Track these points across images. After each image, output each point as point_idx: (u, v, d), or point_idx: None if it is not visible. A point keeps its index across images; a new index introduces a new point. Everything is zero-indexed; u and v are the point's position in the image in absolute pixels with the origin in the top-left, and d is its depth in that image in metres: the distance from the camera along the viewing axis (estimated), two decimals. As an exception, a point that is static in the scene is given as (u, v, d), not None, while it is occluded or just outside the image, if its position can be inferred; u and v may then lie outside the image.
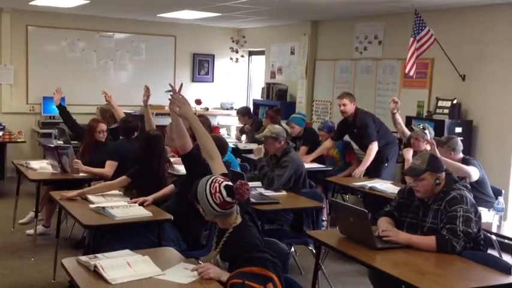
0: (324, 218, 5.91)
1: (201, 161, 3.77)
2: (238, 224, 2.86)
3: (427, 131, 5.30)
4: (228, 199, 2.77)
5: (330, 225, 5.80)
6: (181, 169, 5.29)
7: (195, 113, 9.26)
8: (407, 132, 5.83)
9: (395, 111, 5.97)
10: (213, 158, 3.24)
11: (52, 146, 5.47)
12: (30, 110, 8.91)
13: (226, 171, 3.17)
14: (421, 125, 5.51)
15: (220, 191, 2.77)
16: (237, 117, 8.80)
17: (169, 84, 3.46)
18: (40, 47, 8.94)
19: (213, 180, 2.83)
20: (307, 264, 5.05)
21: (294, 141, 6.45)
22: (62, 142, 6.86)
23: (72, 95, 8.98)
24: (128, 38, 9.61)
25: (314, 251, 4.52)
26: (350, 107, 6.25)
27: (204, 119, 6.11)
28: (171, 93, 3.29)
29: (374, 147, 6.09)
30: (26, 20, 8.77)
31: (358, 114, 6.25)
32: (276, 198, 4.63)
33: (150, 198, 4.18)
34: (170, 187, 4.41)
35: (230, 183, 2.81)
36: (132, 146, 5.05)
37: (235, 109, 10.20)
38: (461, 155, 4.96)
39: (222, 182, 2.81)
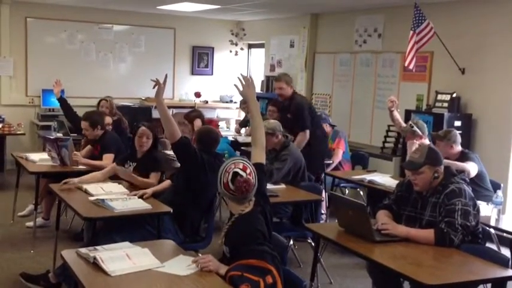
0: (323, 211, 5.92)
1: (191, 150, 3.85)
2: (246, 213, 2.88)
3: (415, 128, 5.31)
4: (230, 184, 2.83)
5: (329, 219, 5.82)
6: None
7: (195, 106, 9.34)
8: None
9: (393, 109, 5.90)
10: (255, 144, 3.28)
11: (52, 137, 5.46)
12: (29, 103, 8.90)
13: (264, 162, 3.21)
14: (410, 122, 5.50)
15: (229, 173, 2.84)
16: (243, 106, 8.75)
17: (154, 79, 3.76)
18: (39, 39, 8.92)
19: (235, 161, 2.89)
20: (306, 257, 5.06)
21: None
22: (61, 134, 6.86)
23: (71, 88, 8.97)
24: (127, 30, 9.59)
25: (313, 244, 4.54)
26: (287, 90, 6.08)
27: (197, 113, 6.10)
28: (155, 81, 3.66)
29: (304, 136, 5.89)
30: (25, 11, 8.74)
31: (295, 98, 6.10)
32: (275, 191, 4.63)
33: (149, 191, 4.20)
34: (168, 182, 4.42)
35: (243, 172, 2.83)
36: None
37: (235, 102, 10.21)
38: (460, 148, 4.97)
39: (237, 167, 2.85)
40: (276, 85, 6.11)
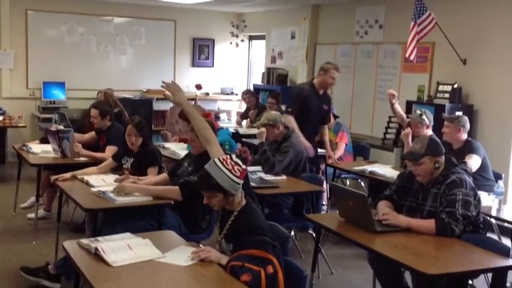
0: (324, 203, 5.93)
1: None
2: (244, 206, 2.91)
3: (424, 116, 5.32)
4: (244, 167, 2.86)
5: (330, 210, 5.82)
6: (181, 154, 5.31)
7: (195, 98, 9.33)
8: (407, 120, 5.82)
9: (394, 101, 5.94)
10: (210, 142, 3.29)
11: (53, 129, 5.47)
12: (30, 95, 8.90)
13: (224, 155, 3.19)
14: (418, 110, 5.51)
15: (237, 163, 2.85)
16: (243, 98, 8.75)
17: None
18: (39, 32, 8.90)
19: (221, 160, 2.88)
20: (307, 247, 5.08)
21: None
22: (62, 127, 6.86)
23: (72, 80, 8.99)
24: (127, 22, 9.56)
25: (314, 234, 4.55)
26: None
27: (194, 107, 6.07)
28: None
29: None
30: (26, 4, 8.73)
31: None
32: (276, 182, 4.64)
33: (141, 183, 4.14)
34: (164, 175, 4.30)
35: (237, 159, 2.88)
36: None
37: (236, 94, 10.20)
38: (465, 136, 4.98)
39: (229, 156, 2.89)
40: (335, 75, 5.88)
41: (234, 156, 2.90)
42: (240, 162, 2.87)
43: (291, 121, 5.71)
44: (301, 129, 5.75)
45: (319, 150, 6.34)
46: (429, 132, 5.29)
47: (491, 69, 6.05)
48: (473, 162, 4.71)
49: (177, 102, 3.36)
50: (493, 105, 6.04)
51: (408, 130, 5.38)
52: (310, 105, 5.87)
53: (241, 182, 2.86)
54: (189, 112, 3.35)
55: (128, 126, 4.63)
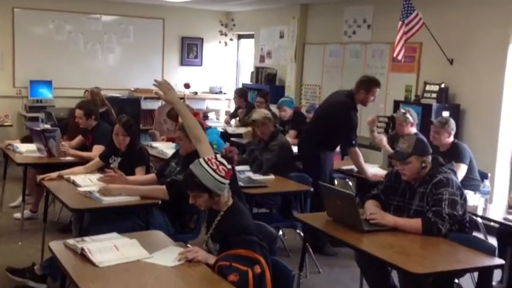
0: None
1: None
2: (231, 206, 2.90)
3: (407, 115, 5.38)
4: (229, 166, 2.84)
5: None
6: (169, 153, 5.29)
7: (184, 98, 9.29)
8: (390, 151, 5.22)
9: (373, 129, 5.60)
10: (201, 140, 3.28)
11: (38, 129, 5.42)
12: (17, 94, 8.84)
13: (213, 154, 3.18)
14: (402, 109, 5.54)
15: (222, 163, 2.83)
16: (233, 97, 8.72)
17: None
18: (27, 30, 8.83)
19: (206, 160, 2.87)
20: (295, 247, 5.08)
21: (282, 125, 6.45)
22: (49, 126, 6.81)
23: (59, 79, 8.93)
24: (115, 20, 9.52)
25: (302, 234, 4.55)
26: None
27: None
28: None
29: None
30: (12, 2, 8.66)
31: None
32: (264, 182, 4.64)
33: (129, 180, 4.10)
34: (151, 175, 4.28)
35: (222, 159, 2.87)
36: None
37: (224, 93, 10.19)
38: (452, 138, 5.02)
39: (214, 156, 2.89)
40: (377, 93, 5.21)
41: (219, 156, 2.90)
42: (225, 162, 2.85)
43: (359, 156, 5.04)
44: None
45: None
46: (413, 130, 5.35)
47: (478, 70, 6.09)
48: (460, 172, 4.72)
49: (168, 100, 3.35)
50: (480, 105, 6.09)
51: (371, 118, 5.48)
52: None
53: (227, 181, 2.85)
54: (180, 111, 3.35)
55: (115, 125, 4.60)
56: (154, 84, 3.35)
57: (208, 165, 2.83)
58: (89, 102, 5.90)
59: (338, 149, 6.68)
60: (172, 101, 3.34)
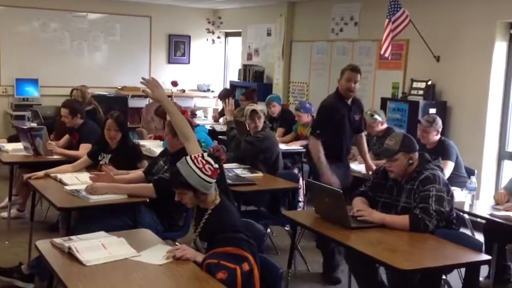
0: (300, 199, 5.95)
1: None
2: (218, 204, 2.89)
3: (375, 116, 5.57)
4: (216, 166, 2.82)
5: (307, 206, 5.84)
6: (156, 151, 5.27)
7: (172, 95, 9.25)
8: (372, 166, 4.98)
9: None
10: (189, 139, 3.27)
11: (25, 127, 5.38)
12: (3, 92, 8.76)
13: (202, 153, 3.17)
14: (369, 111, 5.60)
15: (208, 162, 2.82)
16: (220, 102, 8.70)
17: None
18: (11, 28, 8.75)
19: (192, 158, 2.86)
20: (284, 244, 5.09)
21: (270, 122, 6.46)
22: (35, 124, 6.75)
23: (46, 77, 8.86)
24: (102, 18, 9.46)
25: (290, 231, 4.56)
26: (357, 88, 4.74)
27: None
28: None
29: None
30: (-4, -1, 8.59)
31: (357, 98, 4.90)
32: (252, 179, 4.64)
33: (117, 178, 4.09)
34: (139, 173, 4.24)
35: (208, 158, 2.86)
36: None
37: (212, 91, 10.17)
38: (439, 136, 5.05)
39: (200, 155, 2.87)
40: (354, 77, 4.60)
41: (206, 154, 2.89)
42: (212, 161, 2.84)
43: (315, 146, 4.62)
44: (335, 150, 4.71)
45: (294, 147, 6.35)
46: (384, 126, 5.61)
47: (464, 66, 6.13)
48: (447, 169, 4.75)
49: (156, 98, 3.34)
50: (466, 102, 6.13)
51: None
52: (338, 120, 4.68)
53: (213, 180, 2.84)
54: (168, 108, 3.34)
55: (107, 120, 4.58)
56: (141, 82, 3.34)
57: (194, 163, 2.83)
58: (74, 101, 5.85)
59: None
60: (160, 98, 3.32)
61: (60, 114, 5.66)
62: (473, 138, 6.01)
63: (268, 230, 4.81)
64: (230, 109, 5.19)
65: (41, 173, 4.30)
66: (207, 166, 2.81)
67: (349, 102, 4.70)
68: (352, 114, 4.72)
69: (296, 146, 6.41)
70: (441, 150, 4.89)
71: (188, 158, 2.89)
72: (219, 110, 8.95)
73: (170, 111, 3.34)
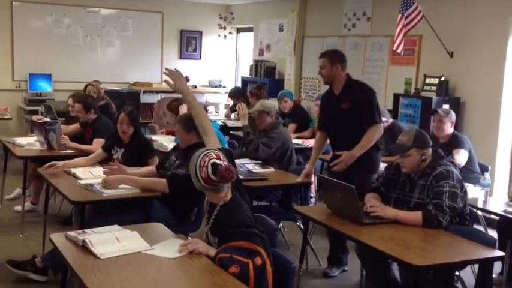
0: (312, 195, 5.94)
1: None
2: (228, 201, 2.87)
3: None
4: (212, 176, 2.77)
5: (318, 202, 5.84)
6: (169, 146, 5.29)
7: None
8: None
9: None
10: (207, 132, 3.28)
11: (39, 121, 5.42)
12: (16, 87, 8.82)
13: (220, 147, 3.18)
14: None
15: (206, 166, 2.78)
16: (231, 100, 8.70)
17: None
18: (25, 23, 8.81)
19: (206, 153, 2.84)
20: (295, 240, 5.09)
21: (282, 118, 6.45)
22: (48, 119, 6.80)
23: (59, 72, 8.91)
24: (114, 13, 9.49)
25: (302, 226, 4.56)
26: (330, 71, 4.36)
27: (179, 101, 6.07)
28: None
29: (377, 130, 4.30)
30: (11, -5, 8.64)
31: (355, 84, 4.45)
32: (264, 175, 4.64)
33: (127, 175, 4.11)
34: (151, 168, 4.27)
35: (219, 161, 2.79)
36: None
37: (224, 86, 10.17)
38: (452, 129, 5.04)
39: (212, 158, 2.80)
40: (320, 63, 4.43)
41: (213, 160, 2.77)
42: (210, 169, 2.75)
43: (315, 139, 4.60)
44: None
45: (297, 141, 6.26)
46: (390, 121, 5.60)
47: (478, 62, 6.09)
48: (461, 157, 4.75)
49: (178, 89, 3.34)
50: (480, 98, 6.08)
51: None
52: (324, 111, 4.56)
53: (204, 184, 2.78)
54: (189, 100, 3.33)
55: (120, 114, 4.62)
56: (165, 73, 3.35)
57: (201, 157, 2.80)
58: (87, 96, 5.90)
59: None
60: (182, 90, 3.33)
61: (68, 106, 5.72)
62: (486, 134, 5.97)
63: (280, 225, 4.81)
64: (243, 113, 5.18)
65: (61, 163, 4.33)
66: (204, 169, 2.77)
67: (336, 91, 4.36)
68: (338, 104, 4.30)
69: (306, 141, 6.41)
70: (454, 143, 4.88)
71: (205, 149, 2.88)
72: (230, 106, 8.95)
73: (191, 103, 3.33)
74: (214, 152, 2.86)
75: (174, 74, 3.32)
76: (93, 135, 5.36)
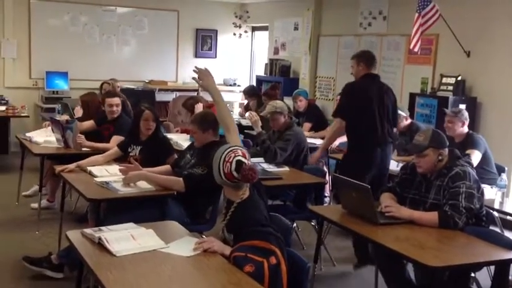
0: (326, 194, 5.93)
1: None
2: (245, 199, 2.88)
3: (399, 111, 5.40)
4: (234, 173, 2.80)
5: (333, 201, 5.82)
6: (184, 144, 5.31)
7: (198, 89, 9.27)
8: None
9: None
10: (230, 130, 3.31)
11: (58, 119, 5.47)
12: (33, 85, 8.90)
13: (242, 145, 3.20)
14: None
15: (231, 162, 2.80)
16: (245, 97, 8.71)
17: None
18: (43, 21, 8.89)
19: (232, 149, 2.86)
20: (310, 239, 5.08)
21: (297, 117, 6.44)
22: (66, 117, 6.85)
23: (75, 70, 8.98)
24: (130, 12, 9.54)
25: (316, 226, 4.55)
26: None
27: (194, 100, 6.08)
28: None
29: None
30: (29, -7, 8.72)
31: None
32: (278, 174, 4.64)
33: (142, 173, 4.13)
34: (166, 167, 4.29)
35: (245, 159, 2.82)
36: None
37: (238, 85, 10.18)
38: (467, 129, 5.00)
39: (238, 155, 2.83)
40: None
41: (238, 157, 2.82)
42: (234, 166, 2.79)
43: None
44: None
45: (312, 141, 6.24)
46: (408, 121, 5.57)
47: (495, 62, 6.03)
48: (474, 158, 4.70)
49: (205, 87, 3.39)
50: (497, 98, 6.03)
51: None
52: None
53: (225, 179, 2.83)
54: (215, 98, 3.37)
55: (144, 111, 4.66)
56: (194, 70, 3.40)
57: (227, 153, 2.84)
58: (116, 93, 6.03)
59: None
60: (209, 88, 3.36)
61: (83, 101, 5.78)
62: (503, 134, 5.91)
63: (294, 225, 4.80)
64: (255, 120, 5.18)
65: (72, 166, 4.36)
66: (227, 164, 2.80)
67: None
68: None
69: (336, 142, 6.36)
70: (468, 143, 4.84)
71: (232, 145, 2.91)
72: (245, 105, 8.96)
73: (216, 101, 3.37)
74: (241, 149, 2.88)
75: (203, 72, 3.36)
76: (114, 132, 5.36)
